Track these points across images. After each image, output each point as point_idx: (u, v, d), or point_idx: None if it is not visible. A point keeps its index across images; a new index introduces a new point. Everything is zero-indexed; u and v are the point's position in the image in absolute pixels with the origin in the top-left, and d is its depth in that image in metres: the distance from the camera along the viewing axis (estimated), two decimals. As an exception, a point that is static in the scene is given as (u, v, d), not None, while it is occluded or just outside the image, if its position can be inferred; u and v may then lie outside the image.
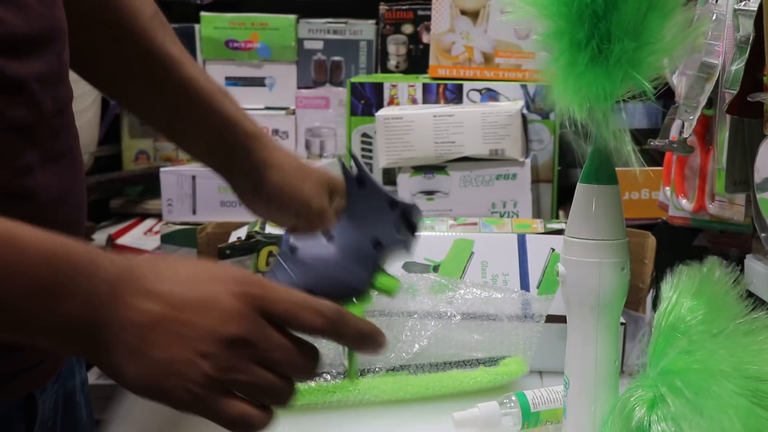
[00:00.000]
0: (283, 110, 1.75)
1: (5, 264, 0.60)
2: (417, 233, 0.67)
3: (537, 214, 1.48)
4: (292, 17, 1.75)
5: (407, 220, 0.65)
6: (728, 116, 0.88)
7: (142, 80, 0.93)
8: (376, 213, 0.64)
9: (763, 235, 0.85)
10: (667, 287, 0.74)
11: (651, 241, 1.20)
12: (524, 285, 1.12)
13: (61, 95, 0.78)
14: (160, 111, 0.95)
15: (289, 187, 0.93)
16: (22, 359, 0.77)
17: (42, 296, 0.61)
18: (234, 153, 0.93)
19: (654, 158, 1.26)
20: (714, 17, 0.90)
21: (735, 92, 0.84)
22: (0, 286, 0.60)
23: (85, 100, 1.75)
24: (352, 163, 0.69)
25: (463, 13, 1.56)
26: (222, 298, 0.63)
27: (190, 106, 0.93)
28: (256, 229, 1.23)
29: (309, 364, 0.65)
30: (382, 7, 1.74)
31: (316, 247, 0.66)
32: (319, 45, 1.77)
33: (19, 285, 0.61)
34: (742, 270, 0.75)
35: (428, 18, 1.63)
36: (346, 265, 0.65)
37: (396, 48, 1.74)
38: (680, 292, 0.73)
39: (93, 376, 1.49)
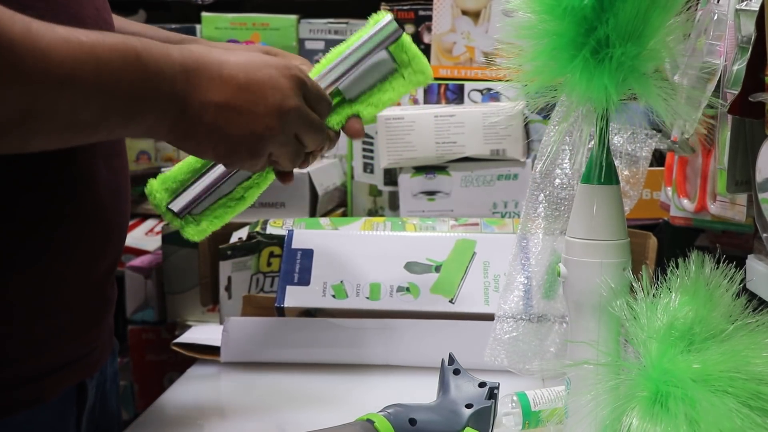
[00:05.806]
0: (285, 110, 1.75)
1: (113, 62, 0.72)
2: (497, 402, 0.88)
3: (538, 214, 1.48)
4: (293, 17, 1.74)
5: (491, 393, 0.86)
6: (730, 116, 0.88)
7: None
8: (467, 389, 0.87)
9: (764, 235, 0.85)
10: (665, 287, 0.74)
11: (652, 241, 1.20)
12: (526, 285, 1.12)
13: None
14: None
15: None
16: (75, 349, 0.85)
17: (139, 84, 0.74)
18: None
19: (655, 158, 1.26)
20: (715, 17, 0.90)
21: (737, 92, 0.84)
22: (110, 77, 0.72)
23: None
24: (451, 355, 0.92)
25: (464, 13, 1.56)
26: (280, 80, 0.82)
27: None
28: (257, 229, 1.23)
29: (323, 135, 0.89)
30: (383, 8, 1.74)
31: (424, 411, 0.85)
32: (320, 45, 1.77)
33: (122, 78, 0.73)
34: (743, 270, 0.75)
35: (429, 18, 1.63)
36: (446, 418, 0.84)
37: (397, 48, 1.74)
38: (678, 292, 0.73)
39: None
